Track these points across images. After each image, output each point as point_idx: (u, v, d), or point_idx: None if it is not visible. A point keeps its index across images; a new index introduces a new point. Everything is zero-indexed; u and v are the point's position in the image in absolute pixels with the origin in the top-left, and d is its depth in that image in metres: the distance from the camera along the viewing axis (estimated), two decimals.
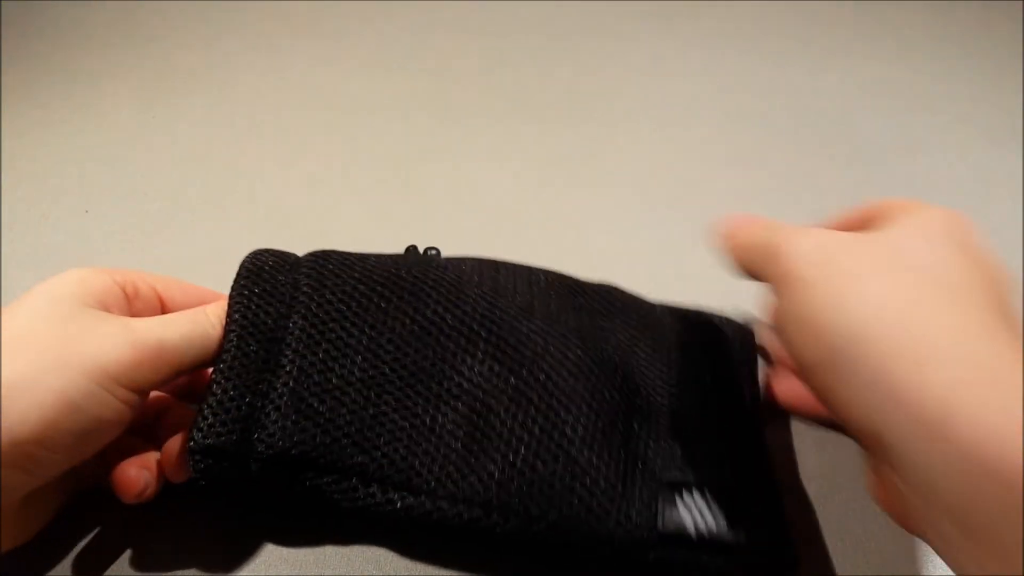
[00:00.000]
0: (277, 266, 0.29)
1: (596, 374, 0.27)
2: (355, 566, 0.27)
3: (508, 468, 0.25)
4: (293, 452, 0.25)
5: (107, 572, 0.27)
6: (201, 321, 0.26)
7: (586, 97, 0.61)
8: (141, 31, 0.70)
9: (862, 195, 0.49)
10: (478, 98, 0.60)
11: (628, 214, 0.47)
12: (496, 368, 0.27)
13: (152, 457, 0.27)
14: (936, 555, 0.20)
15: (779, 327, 0.22)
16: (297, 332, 0.27)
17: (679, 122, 0.57)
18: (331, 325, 0.27)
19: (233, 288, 0.28)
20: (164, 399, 0.30)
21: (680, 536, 0.24)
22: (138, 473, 0.26)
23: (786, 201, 0.48)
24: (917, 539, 0.27)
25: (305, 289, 0.28)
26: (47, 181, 0.49)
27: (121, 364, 0.23)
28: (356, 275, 0.29)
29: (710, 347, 0.31)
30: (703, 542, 0.24)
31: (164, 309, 0.29)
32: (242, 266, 0.29)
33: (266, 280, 0.28)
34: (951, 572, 0.19)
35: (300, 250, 0.31)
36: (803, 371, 0.21)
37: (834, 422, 0.23)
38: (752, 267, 0.24)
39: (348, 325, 0.27)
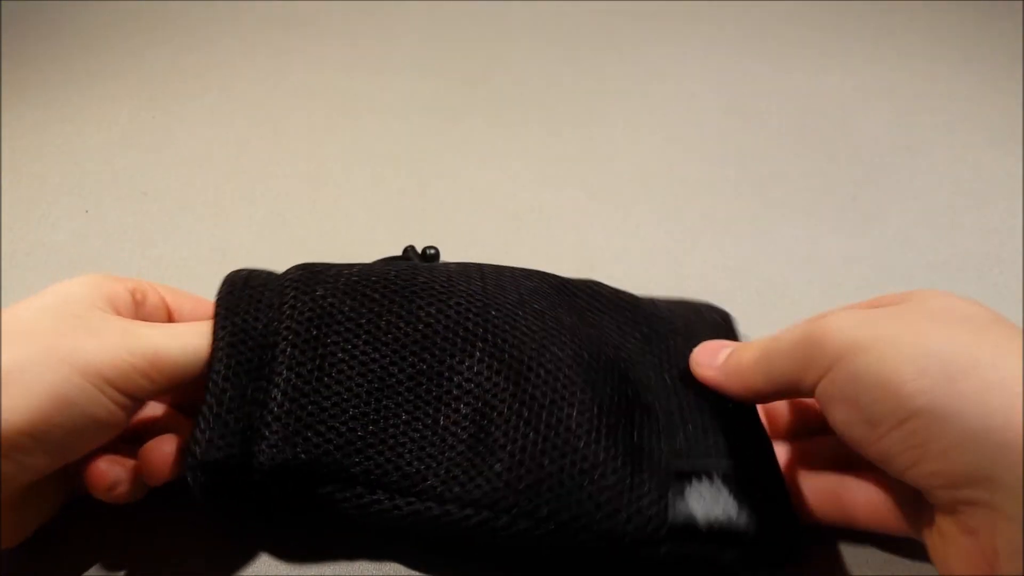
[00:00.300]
0: (259, 277, 0.29)
1: (594, 369, 0.27)
2: (355, 566, 0.27)
3: (515, 468, 0.25)
4: (295, 462, 0.25)
5: (106, 572, 0.27)
6: (206, 334, 0.26)
7: (586, 98, 0.61)
8: (141, 31, 0.70)
9: (862, 195, 0.49)
10: (478, 99, 0.60)
11: (628, 214, 0.47)
12: (495, 367, 0.27)
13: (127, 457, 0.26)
14: None
15: (840, 405, 0.22)
16: (291, 338, 0.26)
17: (679, 123, 0.57)
18: (324, 330, 0.26)
19: (218, 297, 0.27)
20: (167, 409, 0.30)
21: (690, 527, 0.23)
22: (108, 467, 0.25)
23: (786, 201, 0.48)
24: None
25: (291, 294, 0.27)
26: (47, 181, 0.49)
27: (115, 367, 0.23)
28: (344, 280, 0.28)
29: (698, 334, 0.31)
30: (713, 532, 0.23)
31: (172, 319, 0.28)
32: (224, 280, 0.28)
33: (252, 288, 0.28)
34: None
35: (301, 250, 0.31)
36: (872, 439, 0.21)
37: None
38: (784, 375, 0.24)
39: (341, 329, 0.26)
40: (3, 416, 0.21)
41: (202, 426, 0.24)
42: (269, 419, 0.25)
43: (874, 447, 0.21)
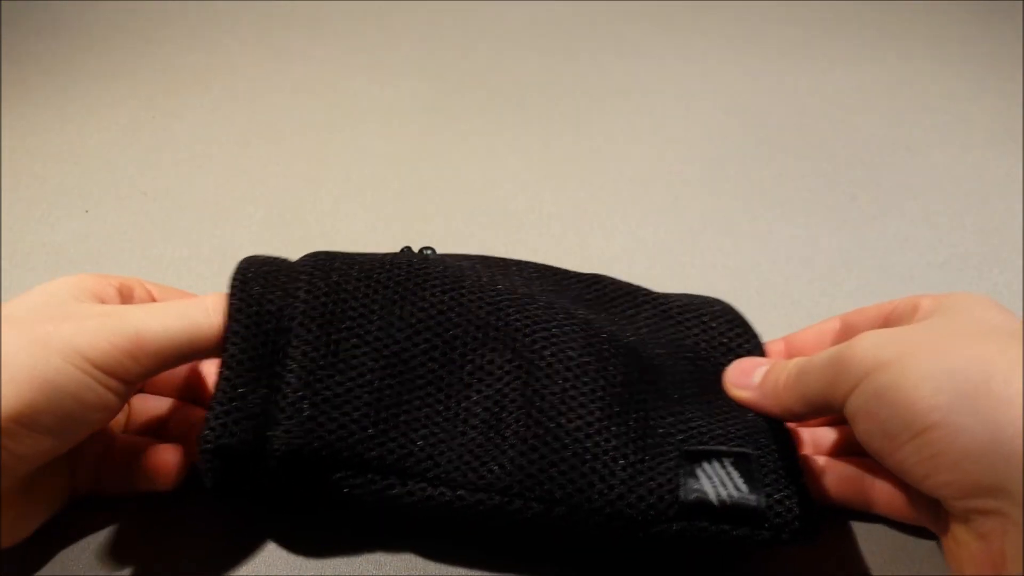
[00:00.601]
0: (274, 263, 0.29)
1: (604, 356, 0.27)
2: (355, 566, 0.27)
3: (528, 452, 0.25)
4: (309, 448, 0.25)
5: (106, 572, 0.27)
6: (192, 313, 0.25)
7: (586, 98, 0.61)
8: (141, 31, 0.70)
9: (862, 195, 0.49)
10: (478, 99, 0.60)
11: (628, 214, 0.47)
12: (507, 355, 0.27)
13: (174, 447, 0.27)
14: None
15: (863, 419, 0.23)
16: (305, 323, 0.26)
17: (679, 123, 0.57)
18: (338, 315, 0.27)
19: (232, 282, 0.27)
20: (174, 402, 0.30)
21: (702, 505, 0.24)
22: (174, 456, 0.26)
23: (786, 201, 0.48)
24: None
25: (305, 279, 0.27)
26: (47, 181, 0.49)
27: (97, 348, 0.23)
28: (357, 267, 0.28)
29: (707, 323, 0.31)
30: (725, 510, 0.23)
31: None
32: (239, 264, 0.28)
33: (266, 273, 0.28)
34: None
35: (301, 250, 0.31)
36: (890, 451, 0.22)
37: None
38: (817, 394, 0.24)
39: (355, 315, 0.27)
40: None
41: (216, 411, 0.24)
42: (283, 404, 0.25)
43: (892, 459, 0.22)
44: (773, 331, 0.33)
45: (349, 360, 0.26)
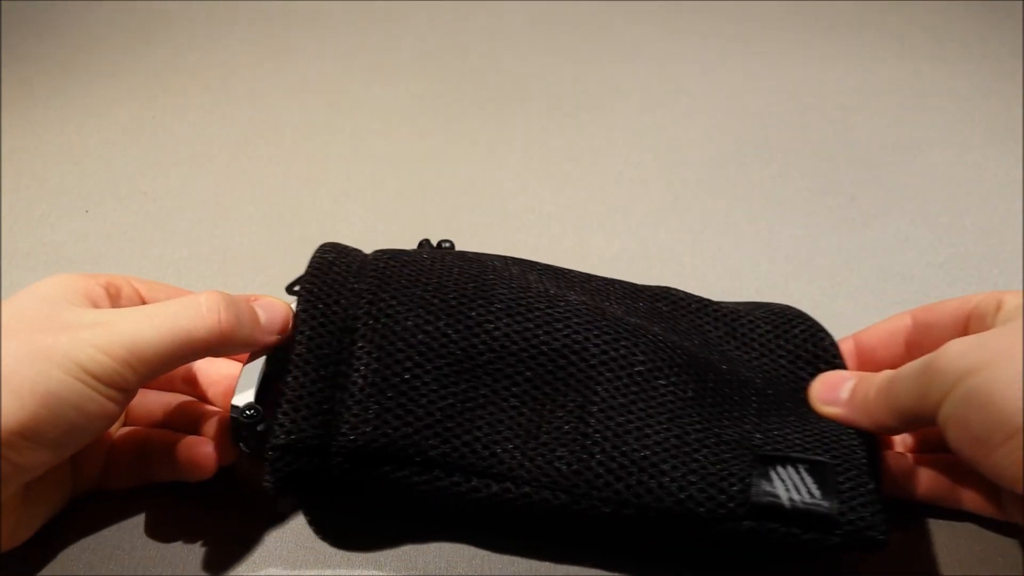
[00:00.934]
0: (344, 258, 0.29)
1: (674, 363, 0.27)
2: (355, 566, 0.27)
3: (596, 453, 0.25)
4: (375, 445, 0.25)
5: (104, 572, 0.27)
6: (187, 315, 0.25)
7: (586, 98, 0.61)
8: (141, 31, 0.70)
9: (862, 195, 0.49)
10: (477, 99, 0.60)
11: (628, 214, 0.47)
12: (573, 359, 0.27)
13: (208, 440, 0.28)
14: None
15: (954, 426, 0.23)
16: (371, 323, 0.27)
17: (679, 122, 0.57)
18: (405, 313, 0.27)
19: (303, 281, 0.28)
20: (172, 396, 0.30)
21: (773, 507, 0.24)
22: (209, 448, 0.27)
23: (786, 201, 0.48)
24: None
25: (373, 277, 0.28)
26: (47, 181, 0.49)
27: (95, 361, 0.22)
28: (426, 271, 0.29)
29: (783, 332, 0.31)
30: (797, 514, 0.24)
31: None
32: (312, 260, 0.29)
33: (335, 272, 0.28)
34: None
35: (301, 250, 0.31)
36: (982, 455, 0.22)
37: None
38: (908, 406, 0.25)
39: (422, 312, 0.27)
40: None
41: (285, 409, 0.25)
42: (350, 402, 0.25)
43: (985, 463, 0.22)
44: None
45: (415, 359, 0.26)
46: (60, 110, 0.57)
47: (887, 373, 0.26)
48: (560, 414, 0.26)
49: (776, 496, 0.24)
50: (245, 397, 0.26)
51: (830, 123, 0.57)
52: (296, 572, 0.27)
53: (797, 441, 0.26)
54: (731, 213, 0.47)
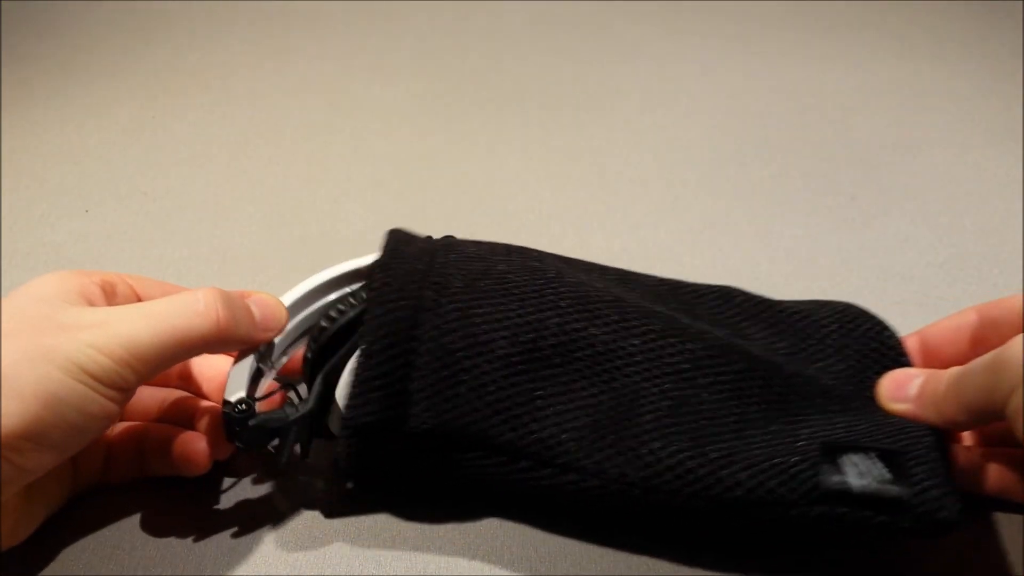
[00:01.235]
0: (412, 245, 0.30)
1: (741, 359, 0.28)
2: (355, 566, 0.27)
3: (667, 446, 0.26)
4: (443, 428, 0.26)
5: (104, 571, 0.27)
6: (185, 313, 0.25)
7: (586, 98, 0.61)
8: (141, 31, 0.70)
9: (862, 195, 0.49)
10: (477, 99, 0.60)
11: (628, 214, 0.47)
12: (637, 357, 0.27)
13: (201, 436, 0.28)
14: None
15: (1021, 419, 0.23)
16: (441, 310, 0.27)
17: (679, 122, 0.57)
18: (477, 299, 0.27)
19: (373, 266, 0.28)
20: (168, 391, 0.30)
21: (843, 492, 0.24)
22: (203, 443, 0.27)
23: (786, 201, 0.48)
24: None
25: (442, 262, 0.29)
26: (47, 181, 0.49)
27: (95, 362, 0.23)
28: (490, 258, 0.30)
29: (849, 331, 0.31)
30: (867, 496, 0.24)
31: None
32: (384, 246, 0.30)
33: (405, 257, 0.29)
34: None
35: (301, 250, 0.31)
36: None
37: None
38: (977, 401, 0.25)
39: (493, 300, 0.28)
40: (2, 421, 0.21)
41: (356, 391, 0.26)
42: (421, 385, 0.26)
43: None
44: None
45: (485, 346, 0.27)
46: (60, 110, 0.57)
47: (955, 369, 0.26)
48: (629, 409, 0.27)
49: (846, 481, 0.24)
50: (237, 393, 0.26)
51: (830, 123, 0.57)
52: (298, 571, 0.27)
53: (865, 433, 0.26)
54: (731, 213, 0.47)
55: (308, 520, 0.28)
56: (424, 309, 0.27)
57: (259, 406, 0.26)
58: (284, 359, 0.30)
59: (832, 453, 0.25)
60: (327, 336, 0.27)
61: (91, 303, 0.25)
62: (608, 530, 0.28)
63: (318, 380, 0.27)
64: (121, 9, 0.74)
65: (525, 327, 0.27)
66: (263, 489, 0.30)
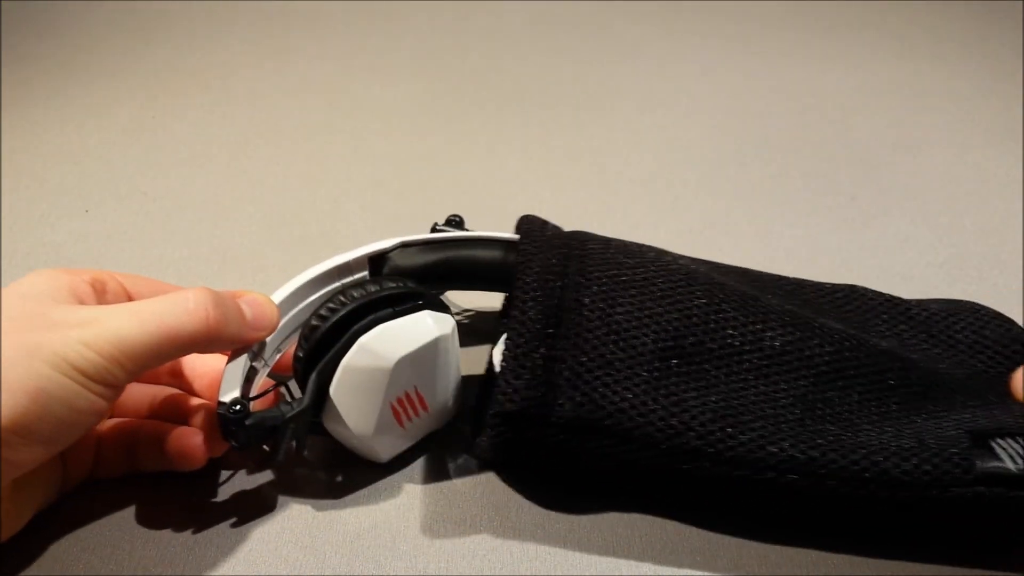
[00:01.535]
0: (557, 238, 0.31)
1: (876, 353, 0.29)
2: (355, 566, 0.27)
3: (819, 432, 0.26)
4: (590, 418, 0.26)
5: (95, 567, 0.27)
6: (175, 313, 0.25)
7: (586, 98, 0.61)
8: (141, 31, 0.70)
9: (862, 195, 0.49)
10: (478, 99, 0.60)
11: (628, 214, 0.47)
12: (787, 348, 0.28)
13: (197, 431, 0.28)
14: None
15: None
16: (587, 302, 0.28)
17: (679, 122, 0.57)
18: (622, 293, 0.29)
19: (521, 256, 0.29)
20: (160, 389, 0.30)
21: (999, 474, 0.25)
22: (199, 439, 0.27)
23: (786, 201, 0.48)
24: None
25: (590, 259, 0.30)
26: (47, 181, 0.49)
27: (84, 359, 0.23)
28: (635, 249, 0.31)
29: (978, 329, 0.32)
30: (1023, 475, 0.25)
31: None
32: (524, 236, 0.31)
33: (550, 249, 0.30)
34: None
35: (301, 250, 0.31)
36: None
37: None
38: None
39: (635, 300, 0.29)
40: None
41: (508, 378, 0.26)
42: (568, 375, 0.27)
43: None
44: None
45: (629, 340, 0.28)
46: (60, 110, 0.57)
47: None
48: (781, 401, 0.27)
49: (1001, 462, 0.25)
50: (231, 393, 0.26)
51: (830, 123, 0.57)
52: (298, 571, 0.27)
53: (1009, 421, 0.27)
54: (731, 213, 0.47)
55: (305, 518, 0.28)
56: (568, 303, 0.28)
57: (253, 405, 0.26)
58: (277, 356, 0.30)
59: (983, 439, 0.26)
60: (319, 334, 0.27)
61: (81, 301, 0.25)
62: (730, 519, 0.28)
63: (312, 377, 0.27)
64: (121, 9, 0.74)
65: (666, 324, 0.28)
66: (257, 486, 0.30)
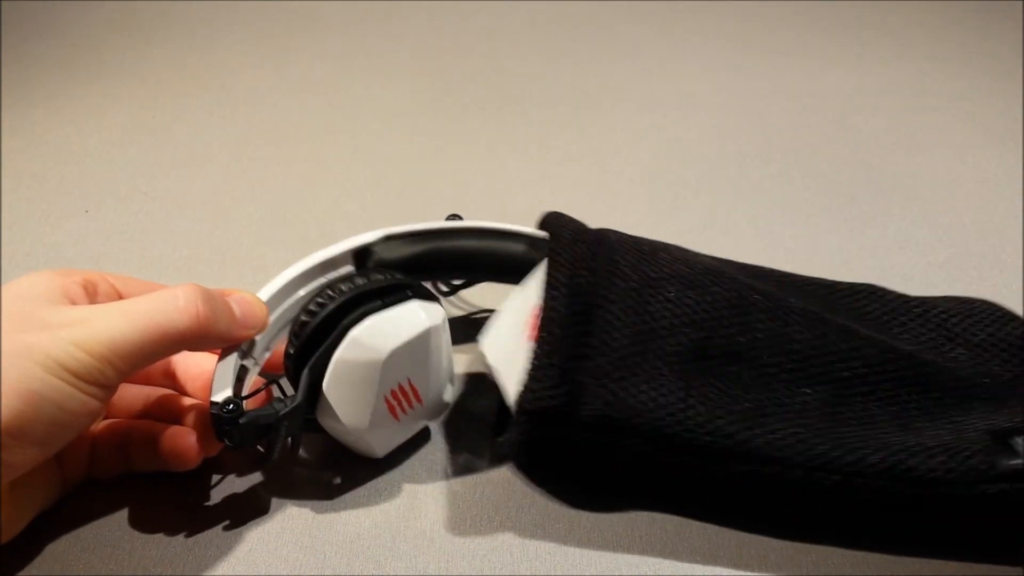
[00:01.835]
0: (584, 236, 0.30)
1: (895, 358, 0.29)
2: (355, 566, 0.27)
3: (848, 433, 0.26)
4: (617, 417, 0.26)
5: (93, 568, 0.27)
6: (164, 310, 0.25)
7: (586, 98, 0.61)
8: (141, 31, 0.70)
9: (862, 195, 0.49)
10: (478, 99, 0.60)
11: (628, 214, 0.47)
12: (810, 353, 0.28)
13: (191, 431, 0.28)
14: None
15: None
16: (617, 300, 0.28)
17: (679, 122, 0.57)
18: (651, 291, 0.28)
19: (549, 251, 0.29)
20: (151, 389, 0.30)
21: (1021, 471, 0.25)
22: (193, 438, 0.27)
23: (786, 201, 0.48)
24: None
25: (619, 259, 0.29)
26: (47, 181, 0.49)
27: (75, 359, 0.23)
28: (661, 246, 0.31)
29: (997, 330, 0.32)
30: None
31: None
32: (552, 234, 0.30)
33: (578, 245, 0.29)
34: None
35: (301, 250, 0.31)
36: None
37: None
38: None
39: (666, 292, 0.29)
40: None
41: (534, 375, 0.26)
42: (596, 373, 0.27)
43: None
44: None
45: (658, 338, 0.28)
46: (60, 110, 0.57)
47: None
48: (807, 403, 0.28)
49: (1022, 460, 0.25)
50: (224, 393, 0.26)
51: (830, 123, 0.57)
52: (298, 571, 0.27)
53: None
54: (731, 213, 0.47)
55: (305, 519, 0.28)
56: (596, 305, 0.28)
57: (246, 404, 0.26)
58: (267, 354, 0.30)
59: (1003, 437, 0.26)
60: (309, 330, 0.27)
61: (73, 302, 0.25)
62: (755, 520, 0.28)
63: (304, 374, 0.27)
64: (121, 9, 0.74)
65: (695, 323, 0.28)
66: (255, 486, 0.30)
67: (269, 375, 0.30)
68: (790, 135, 0.56)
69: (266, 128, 0.55)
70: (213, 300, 0.26)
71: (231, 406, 0.25)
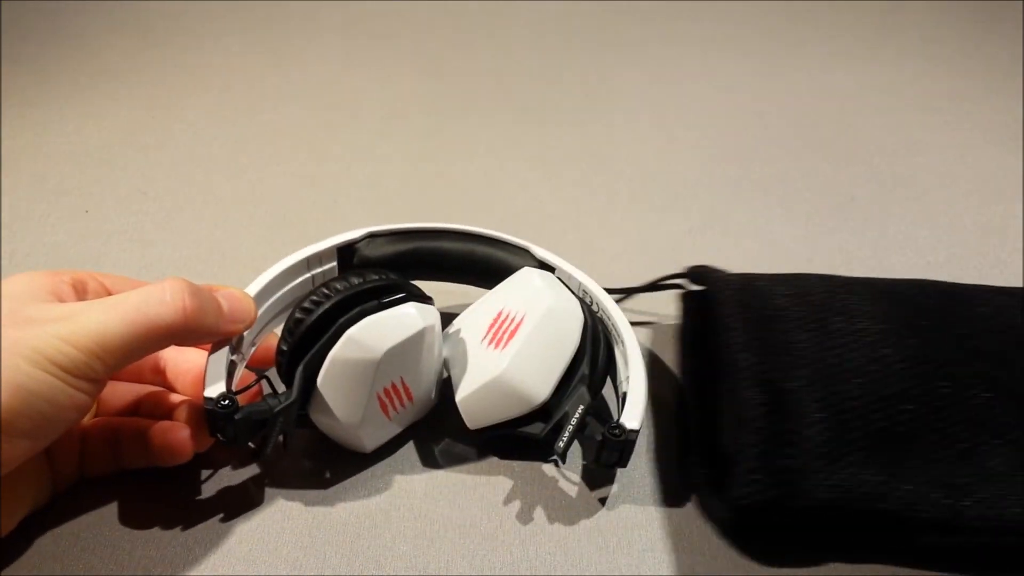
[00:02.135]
0: (737, 290, 0.30)
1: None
2: (355, 566, 0.27)
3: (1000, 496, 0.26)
4: (835, 501, 0.26)
5: (96, 570, 0.27)
6: (150, 303, 0.25)
7: (586, 98, 0.61)
8: (141, 31, 0.70)
9: (862, 195, 0.49)
10: (478, 99, 0.60)
11: (628, 214, 0.47)
12: (993, 393, 0.28)
13: (184, 425, 0.28)
14: None
15: None
16: (806, 385, 0.28)
17: (679, 122, 0.57)
18: (835, 372, 0.28)
19: (726, 320, 0.29)
20: (141, 387, 0.30)
21: None
22: (186, 433, 0.27)
23: (786, 201, 0.48)
24: None
25: (804, 336, 0.29)
26: (47, 181, 0.49)
27: (63, 353, 0.23)
28: (850, 324, 0.29)
29: None
30: None
31: None
32: (719, 292, 0.31)
33: (753, 314, 0.29)
34: None
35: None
36: None
37: None
38: None
39: (849, 373, 0.28)
40: None
41: (742, 469, 0.26)
42: (808, 459, 0.26)
43: None
44: None
45: (855, 421, 0.27)
46: (60, 110, 0.57)
47: None
48: (996, 457, 0.27)
49: None
50: (217, 388, 0.26)
51: (830, 123, 0.57)
52: (298, 571, 0.27)
53: None
54: (731, 213, 0.47)
55: (305, 519, 0.28)
56: (791, 390, 0.27)
57: (238, 399, 0.26)
58: (252, 349, 0.30)
59: None
60: (305, 327, 0.27)
61: (62, 300, 0.25)
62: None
63: (299, 371, 0.27)
64: (121, 9, 0.74)
65: (883, 400, 0.27)
66: (249, 481, 0.30)
67: (257, 370, 0.30)
68: (790, 135, 0.56)
69: (266, 128, 0.55)
70: (200, 294, 0.25)
71: (226, 401, 0.25)
